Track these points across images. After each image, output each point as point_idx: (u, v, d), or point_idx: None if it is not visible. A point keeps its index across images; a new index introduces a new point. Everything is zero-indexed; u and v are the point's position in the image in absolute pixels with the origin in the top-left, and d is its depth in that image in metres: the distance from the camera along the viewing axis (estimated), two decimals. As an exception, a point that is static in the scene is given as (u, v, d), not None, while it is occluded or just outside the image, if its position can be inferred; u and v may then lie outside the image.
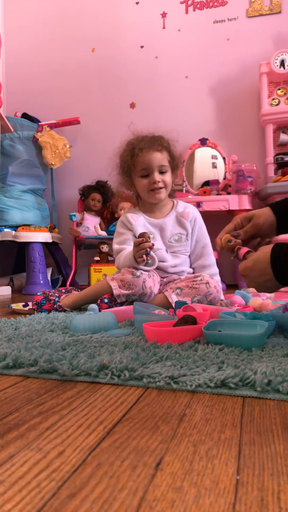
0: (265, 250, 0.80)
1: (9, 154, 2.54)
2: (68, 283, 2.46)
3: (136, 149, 1.34)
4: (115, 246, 1.42)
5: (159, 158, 1.34)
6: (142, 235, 1.23)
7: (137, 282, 1.24)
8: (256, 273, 0.80)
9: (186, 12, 2.71)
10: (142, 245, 1.21)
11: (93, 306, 1.04)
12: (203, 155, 2.62)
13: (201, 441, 0.40)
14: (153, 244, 1.23)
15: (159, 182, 1.35)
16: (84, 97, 2.89)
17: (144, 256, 1.21)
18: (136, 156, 1.34)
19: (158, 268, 1.36)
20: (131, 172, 1.39)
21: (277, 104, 2.37)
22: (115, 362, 0.63)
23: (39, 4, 2.99)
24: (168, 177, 1.37)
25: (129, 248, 1.33)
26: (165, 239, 1.41)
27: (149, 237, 1.23)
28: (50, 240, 2.52)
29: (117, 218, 1.92)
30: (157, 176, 1.34)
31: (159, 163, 1.34)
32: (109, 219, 2.62)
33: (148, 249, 1.21)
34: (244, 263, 0.83)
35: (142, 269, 1.27)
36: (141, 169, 1.35)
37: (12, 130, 2.40)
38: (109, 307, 1.24)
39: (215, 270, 1.43)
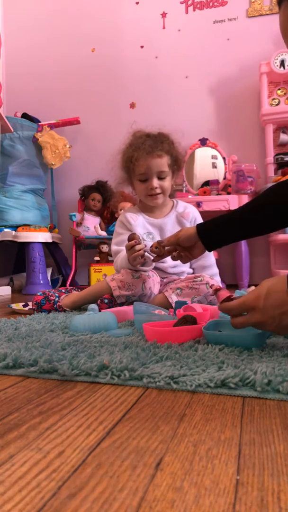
0: (277, 279, 0.68)
1: (9, 154, 2.54)
2: (68, 283, 2.46)
3: (135, 154, 1.31)
4: (114, 248, 1.41)
5: (159, 164, 1.31)
6: (132, 237, 1.18)
7: (137, 283, 1.24)
8: (273, 309, 0.66)
9: (186, 12, 2.71)
10: (137, 247, 1.17)
11: (93, 306, 1.04)
12: (203, 155, 2.62)
13: (201, 441, 0.40)
14: (145, 246, 1.20)
15: (156, 188, 1.33)
16: (84, 97, 2.89)
17: (139, 259, 1.18)
18: (136, 160, 1.32)
19: (158, 269, 1.36)
20: (130, 173, 1.38)
21: (277, 104, 2.37)
22: (115, 362, 0.63)
23: (39, 4, 2.99)
24: (167, 182, 1.35)
25: None
26: (165, 239, 1.40)
27: (139, 238, 1.21)
28: (50, 240, 2.52)
29: (117, 218, 1.91)
30: (155, 182, 1.33)
31: (158, 169, 1.32)
32: (109, 219, 2.62)
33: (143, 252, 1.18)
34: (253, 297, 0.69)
35: (141, 270, 1.27)
36: (139, 173, 1.34)
37: (12, 130, 2.41)
38: (109, 307, 1.24)
39: (215, 270, 1.43)
